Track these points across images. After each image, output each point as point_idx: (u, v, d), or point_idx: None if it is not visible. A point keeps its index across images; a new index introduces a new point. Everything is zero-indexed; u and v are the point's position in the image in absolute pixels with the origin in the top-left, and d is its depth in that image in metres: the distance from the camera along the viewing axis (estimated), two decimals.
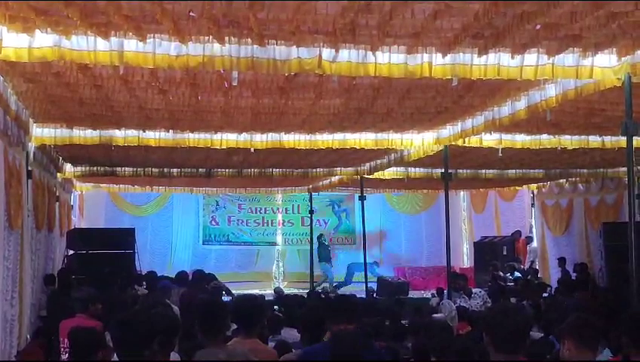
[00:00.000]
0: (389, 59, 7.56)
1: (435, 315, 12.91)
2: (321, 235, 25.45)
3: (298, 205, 27.60)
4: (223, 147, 12.99)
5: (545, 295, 16.90)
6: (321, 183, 22.41)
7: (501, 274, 20.09)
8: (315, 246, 24.66)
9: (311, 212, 24.87)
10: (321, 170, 18.59)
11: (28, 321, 11.43)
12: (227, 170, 18.24)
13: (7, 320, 9.86)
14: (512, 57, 7.71)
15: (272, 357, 6.14)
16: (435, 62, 7.64)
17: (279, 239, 27.51)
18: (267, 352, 6.21)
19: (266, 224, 27.81)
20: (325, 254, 24.96)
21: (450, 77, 7.88)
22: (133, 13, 6.36)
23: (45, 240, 14.14)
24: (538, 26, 6.85)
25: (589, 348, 5.23)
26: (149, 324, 5.00)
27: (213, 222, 27.19)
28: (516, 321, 4.26)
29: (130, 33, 6.84)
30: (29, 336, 11.30)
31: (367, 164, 17.58)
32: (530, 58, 7.76)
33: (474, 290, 13.39)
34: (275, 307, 13.58)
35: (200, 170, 18.14)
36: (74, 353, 6.05)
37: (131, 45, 7.03)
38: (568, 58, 7.84)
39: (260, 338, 6.47)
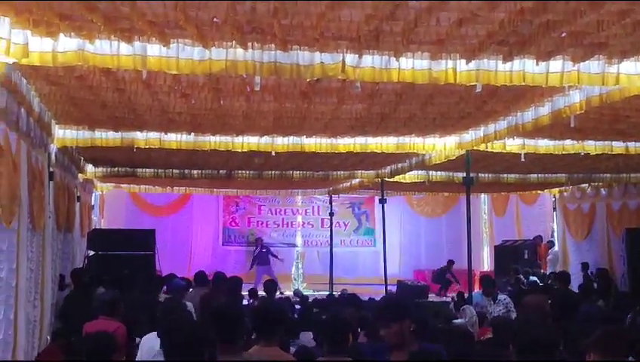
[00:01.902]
0: (413, 65, 7.52)
1: (455, 321, 12.81)
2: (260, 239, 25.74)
3: (318, 207, 27.62)
4: (244, 150, 12.98)
5: None
6: (341, 186, 22.41)
7: (521, 277, 19.95)
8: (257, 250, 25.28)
9: (331, 214, 24.92)
10: (342, 172, 18.57)
11: (48, 322, 11.48)
12: (248, 172, 18.26)
13: (30, 322, 9.90)
14: (537, 64, 7.65)
15: None
16: (459, 69, 7.59)
17: (299, 241, 27.50)
18: (287, 360, 6.14)
19: (285, 225, 27.81)
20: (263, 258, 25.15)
21: (474, 83, 7.83)
22: (157, 19, 6.35)
23: (65, 241, 14.18)
24: (564, 34, 6.79)
25: (616, 360, 5.15)
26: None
27: (233, 223, 27.22)
28: (543, 333, 4.18)
29: (154, 38, 6.83)
30: (49, 337, 11.34)
31: (388, 167, 17.54)
32: (556, 65, 7.68)
33: (499, 296, 13.22)
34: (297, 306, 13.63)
35: (221, 171, 18.14)
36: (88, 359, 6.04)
37: (154, 50, 7.02)
38: (594, 65, 7.74)
39: (281, 346, 6.41)
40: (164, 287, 13.24)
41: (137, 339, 8.12)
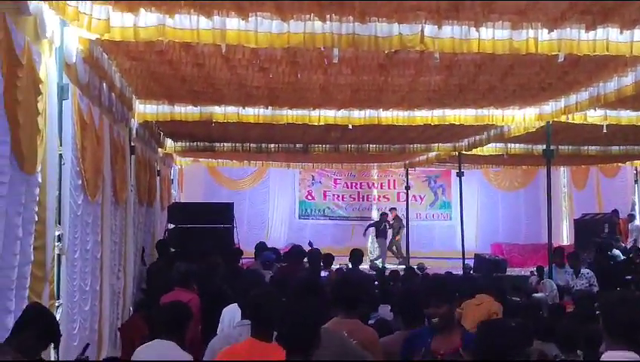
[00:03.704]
0: (494, 35, 7.42)
1: (535, 294, 12.68)
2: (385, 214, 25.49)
3: (394, 180, 27.49)
4: (320, 123, 12.99)
5: None
6: (418, 159, 22.28)
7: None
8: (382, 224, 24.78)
9: (407, 187, 24.81)
10: (419, 145, 18.42)
11: (131, 293, 11.73)
12: (324, 146, 18.28)
13: (114, 293, 10.17)
14: (621, 33, 7.46)
15: (371, 339, 6.03)
16: (540, 38, 7.46)
17: (374, 214, 27.41)
18: (367, 333, 6.10)
19: (361, 199, 27.79)
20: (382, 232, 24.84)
21: (556, 53, 7.68)
22: None
23: (146, 215, 14.43)
24: None
25: None
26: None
27: (309, 197, 27.33)
28: (633, 313, 4.05)
29: (233, 12, 6.89)
30: (131, 308, 11.59)
31: (466, 140, 17.34)
32: None
33: (582, 271, 12.97)
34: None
35: (297, 145, 18.23)
36: (163, 329, 6.16)
37: (233, 24, 7.08)
38: None
39: (361, 318, 6.40)
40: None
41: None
